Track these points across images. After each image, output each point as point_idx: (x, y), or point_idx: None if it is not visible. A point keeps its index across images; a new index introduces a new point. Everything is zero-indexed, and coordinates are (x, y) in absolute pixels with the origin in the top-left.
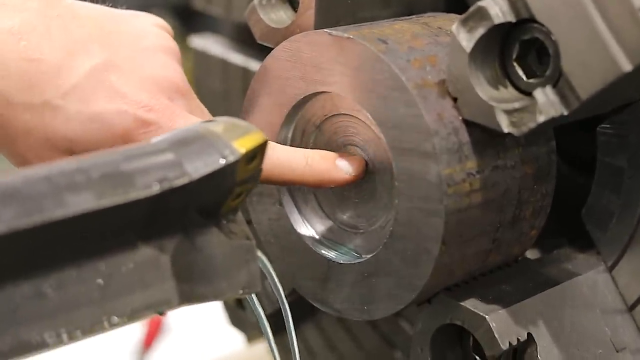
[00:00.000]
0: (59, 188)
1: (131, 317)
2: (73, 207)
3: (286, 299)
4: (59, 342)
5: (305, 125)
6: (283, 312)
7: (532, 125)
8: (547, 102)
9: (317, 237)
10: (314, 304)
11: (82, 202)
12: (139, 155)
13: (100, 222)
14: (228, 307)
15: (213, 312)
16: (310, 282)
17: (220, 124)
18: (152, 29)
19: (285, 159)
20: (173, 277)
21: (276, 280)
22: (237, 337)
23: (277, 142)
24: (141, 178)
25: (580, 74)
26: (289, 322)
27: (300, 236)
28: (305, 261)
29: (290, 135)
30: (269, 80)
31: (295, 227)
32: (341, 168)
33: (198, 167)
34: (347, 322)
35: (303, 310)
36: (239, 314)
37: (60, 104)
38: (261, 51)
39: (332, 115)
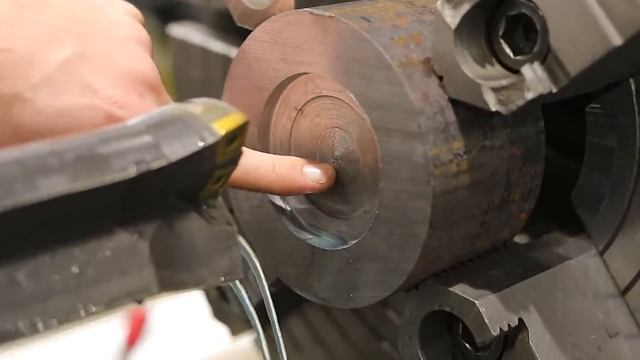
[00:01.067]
0: (31, 171)
1: (109, 305)
2: (45, 190)
3: (269, 289)
4: (34, 332)
5: (287, 109)
6: (265, 302)
7: (520, 102)
8: (535, 79)
9: (300, 223)
10: (298, 293)
11: (55, 186)
12: (114, 138)
13: (75, 206)
14: (211, 300)
15: (196, 309)
16: (294, 270)
17: (199, 105)
18: (125, 18)
19: (254, 165)
20: (152, 264)
21: (258, 267)
22: (221, 334)
23: (258, 127)
24: (117, 161)
25: (569, 49)
26: (271, 311)
27: (283, 223)
28: (289, 248)
29: (272, 119)
30: (248, 63)
31: (278, 214)
32: (308, 175)
33: (176, 149)
34: (333, 314)
35: (287, 302)
36: (222, 307)
37: (31, 96)
38: (242, 38)
39: (315, 98)
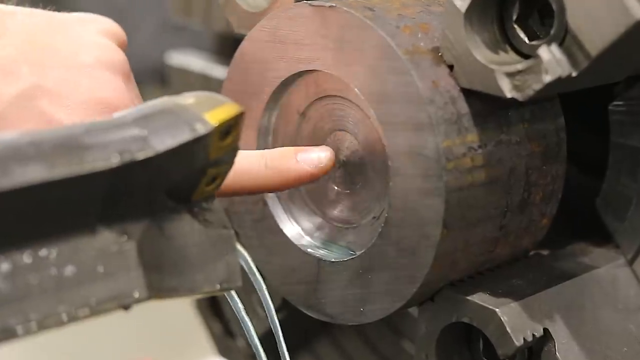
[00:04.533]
0: (5, 158)
1: (94, 309)
2: (20, 177)
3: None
4: (11, 336)
5: (288, 113)
6: (272, 326)
7: (537, 87)
8: (553, 60)
9: (305, 236)
10: (305, 311)
11: (30, 172)
12: (98, 130)
13: (54, 199)
14: (216, 336)
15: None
16: (300, 287)
17: (191, 97)
18: (95, 40)
19: (244, 165)
20: (140, 266)
21: (262, 284)
22: None
23: (257, 132)
24: (100, 150)
25: (588, 28)
26: (279, 337)
27: (287, 236)
28: (294, 263)
29: (272, 124)
30: (246, 65)
31: (281, 226)
32: (304, 163)
33: (164, 140)
34: (343, 345)
35: (293, 334)
36: (227, 342)
37: None
38: None
39: (317, 99)
